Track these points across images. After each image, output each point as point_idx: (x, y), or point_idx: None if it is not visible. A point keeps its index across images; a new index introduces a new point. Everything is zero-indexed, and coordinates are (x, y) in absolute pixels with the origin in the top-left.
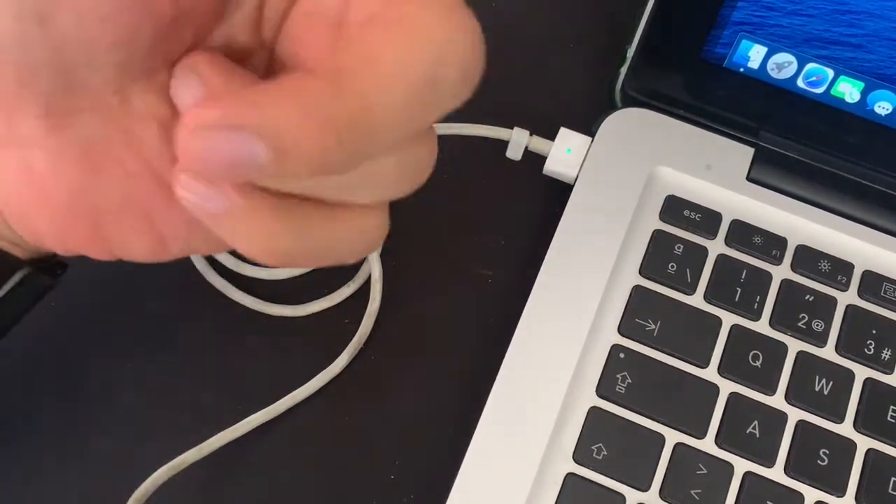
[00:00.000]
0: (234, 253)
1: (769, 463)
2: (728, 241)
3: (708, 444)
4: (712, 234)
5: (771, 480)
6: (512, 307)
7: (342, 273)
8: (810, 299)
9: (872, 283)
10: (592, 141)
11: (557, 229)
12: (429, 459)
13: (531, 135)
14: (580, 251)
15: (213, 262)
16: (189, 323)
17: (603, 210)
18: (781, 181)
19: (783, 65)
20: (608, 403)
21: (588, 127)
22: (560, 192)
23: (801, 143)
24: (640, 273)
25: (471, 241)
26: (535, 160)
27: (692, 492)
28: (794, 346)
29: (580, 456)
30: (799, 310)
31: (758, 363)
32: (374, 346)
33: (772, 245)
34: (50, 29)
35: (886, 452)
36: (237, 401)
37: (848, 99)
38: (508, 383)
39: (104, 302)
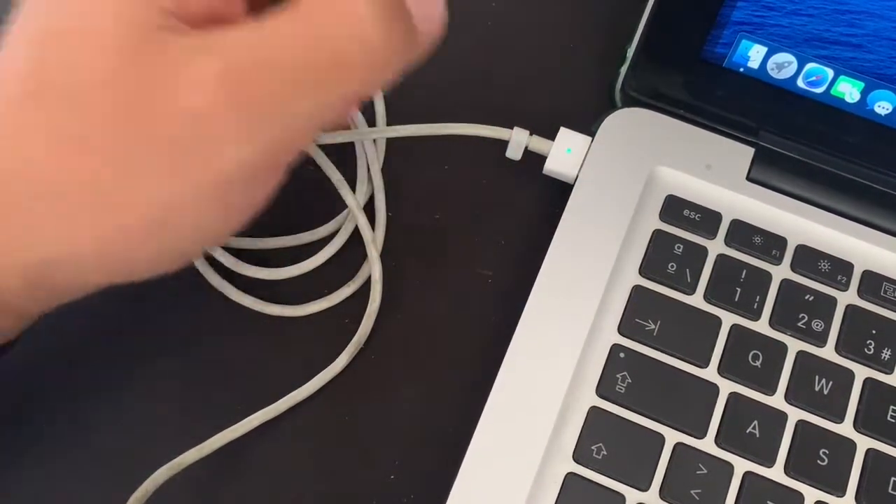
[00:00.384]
0: (232, 252)
1: (769, 463)
2: (728, 241)
3: (708, 444)
4: (712, 234)
5: (771, 480)
6: (512, 307)
7: (342, 273)
8: (810, 299)
9: (872, 283)
10: (592, 141)
11: (557, 229)
12: (429, 459)
13: (531, 135)
14: (580, 251)
15: (212, 262)
16: (188, 323)
17: (603, 210)
18: (781, 181)
19: (783, 65)
20: (608, 403)
21: (588, 127)
22: (560, 192)
23: (801, 143)
24: (640, 273)
25: (471, 241)
26: (535, 160)
27: (692, 492)
28: (794, 346)
29: (580, 456)
30: (799, 310)
31: (758, 363)
32: (374, 346)
33: (772, 245)
34: None
35: (886, 452)
36: (237, 401)
37: (848, 99)
38: (508, 383)
39: (102, 302)
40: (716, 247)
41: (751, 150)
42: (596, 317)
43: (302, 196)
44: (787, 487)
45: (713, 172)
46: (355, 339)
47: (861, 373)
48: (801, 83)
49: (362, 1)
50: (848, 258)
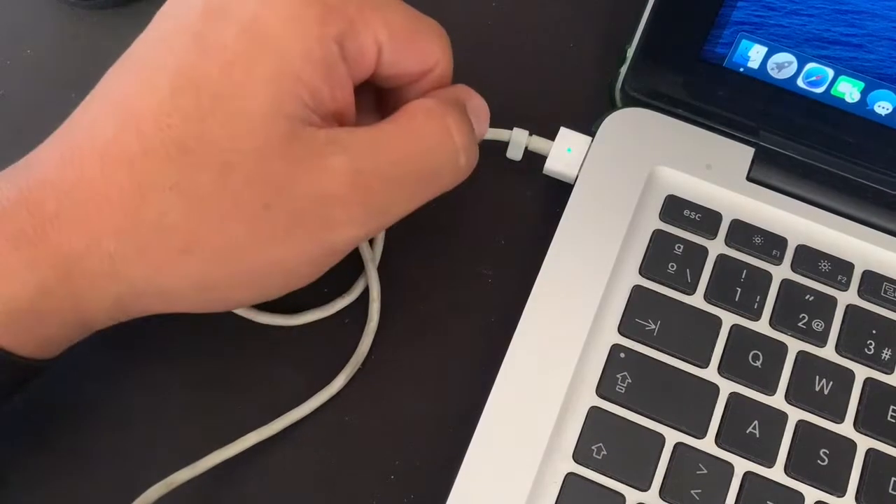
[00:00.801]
0: None
1: (769, 463)
2: (728, 241)
3: (708, 444)
4: (712, 234)
5: (771, 480)
6: (512, 307)
7: (342, 274)
8: (810, 299)
9: (872, 283)
10: (592, 141)
11: (557, 229)
12: (429, 459)
13: (531, 135)
14: (580, 251)
15: None
16: (184, 336)
17: (603, 210)
18: (781, 181)
19: (783, 65)
20: (608, 403)
21: (588, 127)
22: (560, 191)
23: (801, 143)
24: (640, 273)
25: (471, 241)
26: (535, 160)
27: (692, 492)
28: (794, 346)
29: (580, 456)
30: (799, 310)
31: (758, 363)
32: (375, 346)
33: (772, 245)
34: None
35: (886, 452)
36: (232, 417)
37: (848, 99)
38: (508, 383)
39: None
40: (716, 247)
41: (751, 150)
42: (596, 317)
43: None
44: (787, 487)
45: (713, 172)
46: (353, 358)
47: (861, 373)
48: (801, 83)
49: (456, 131)
50: (848, 258)
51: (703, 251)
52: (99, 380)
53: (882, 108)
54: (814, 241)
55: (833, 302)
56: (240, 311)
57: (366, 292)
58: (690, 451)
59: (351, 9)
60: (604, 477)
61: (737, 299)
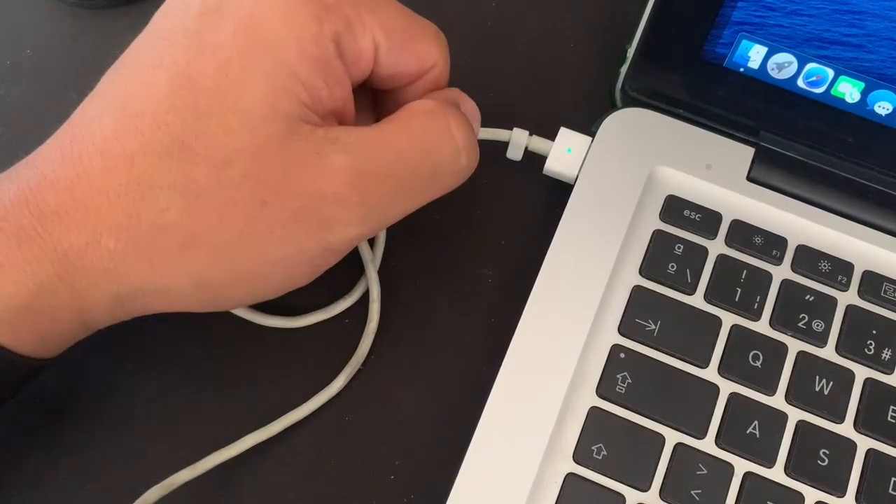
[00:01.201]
0: None
1: (769, 463)
2: (728, 241)
3: (708, 444)
4: (712, 234)
5: (771, 480)
6: (512, 307)
7: (342, 276)
8: (810, 299)
9: (872, 283)
10: (592, 141)
11: (557, 229)
12: (429, 459)
13: (531, 135)
14: (580, 251)
15: None
16: (184, 335)
17: (603, 210)
18: (781, 181)
19: (783, 65)
20: (608, 403)
21: (588, 127)
22: (560, 192)
23: (801, 143)
24: (640, 273)
25: (471, 241)
26: (535, 160)
27: (692, 492)
28: (794, 346)
29: (580, 456)
30: (799, 310)
31: (758, 363)
32: (374, 346)
33: (772, 245)
34: None
35: (886, 452)
36: (231, 418)
37: (848, 99)
38: (508, 383)
39: None
40: (716, 247)
41: (751, 150)
42: (596, 317)
43: None
44: (787, 488)
45: (713, 172)
46: (353, 359)
47: (861, 373)
48: (801, 83)
49: (457, 131)
50: (848, 258)
51: (703, 251)
52: (99, 381)
53: (882, 108)
54: (814, 241)
55: (833, 302)
56: (241, 313)
57: (366, 293)
58: (690, 451)
59: (347, 8)
60: (604, 477)
61: (737, 299)
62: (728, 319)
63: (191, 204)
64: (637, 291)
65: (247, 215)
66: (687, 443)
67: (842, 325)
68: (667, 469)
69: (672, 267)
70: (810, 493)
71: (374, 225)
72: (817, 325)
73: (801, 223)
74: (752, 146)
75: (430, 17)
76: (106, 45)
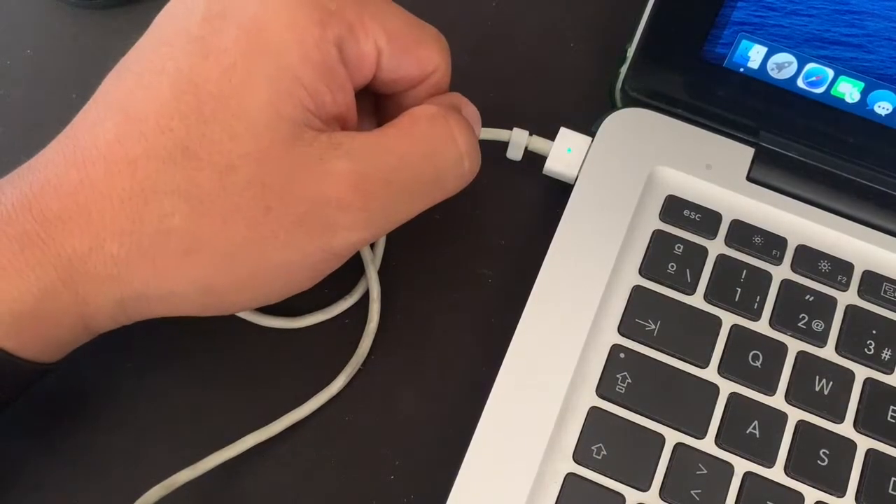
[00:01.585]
0: None
1: (769, 463)
2: (728, 241)
3: (708, 444)
4: (712, 234)
5: (771, 480)
6: (512, 307)
7: (342, 277)
8: (810, 299)
9: (872, 283)
10: (592, 141)
11: (557, 229)
12: (429, 459)
13: (531, 135)
14: (580, 251)
15: None
16: (184, 335)
17: (603, 210)
18: (781, 181)
19: (783, 65)
20: (608, 403)
21: (588, 127)
22: (560, 192)
23: (801, 143)
24: (640, 273)
25: (471, 241)
26: (535, 160)
27: (692, 492)
28: (794, 346)
29: (580, 456)
30: (799, 310)
31: (758, 363)
32: (375, 347)
33: (772, 245)
34: None
35: (886, 452)
36: (232, 418)
37: (848, 99)
38: (508, 383)
39: None
40: (716, 247)
41: (751, 150)
42: (596, 317)
43: None
44: (787, 487)
45: (713, 172)
46: (353, 359)
47: (861, 373)
48: (801, 83)
49: (459, 136)
50: (848, 258)
51: (703, 251)
52: (100, 381)
53: (882, 108)
54: (814, 241)
55: (833, 302)
56: (241, 314)
57: (366, 293)
58: (690, 451)
59: (350, 14)
60: (604, 477)
61: (737, 299)
62: (728, 319)
63: (195, 209)
64: (637, 291)
65: (251, 220)
66: (687, 443)
67: (842, 325)
68: (667, 469)
69: (672, 267)
70: (810, 493)
71: (376, 229)
72: (817, 325)
73: (801, 223)
74: (751, 146)
75: (430, 18)
76: (106, 45)
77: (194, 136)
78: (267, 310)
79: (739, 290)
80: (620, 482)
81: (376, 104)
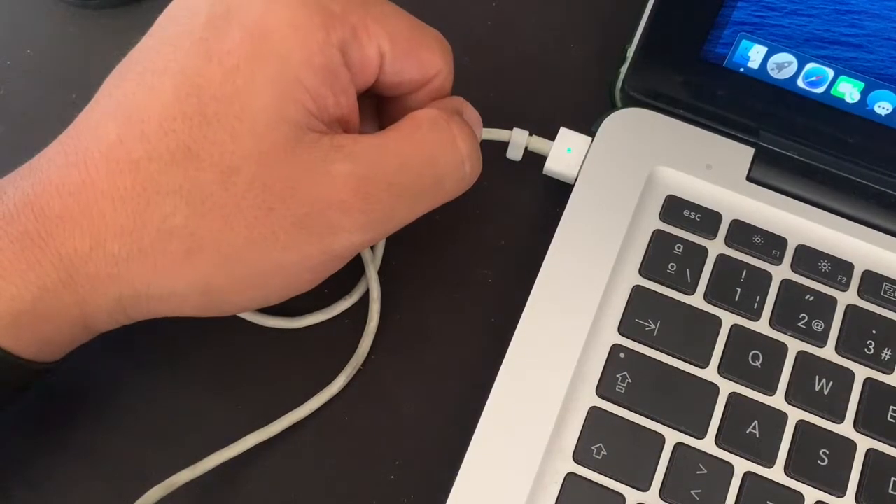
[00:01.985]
0: None
1: (769, 463)
2: (728, 241)
3: (708, 444)
4: (712, 234)
5: (771, 480)
6: (512, 307)
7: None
8: (810, 299)
9: (872, 283)
10: (592, 141)
11: (557, 229)
12: (429, 459)
13: (531, 135)
14: (580, 251)
15: None
16: (184, 335)
17: (603, 210)
18: (781, 181)
19: (783, 65)
20: (608, 403)
21: (588, 127)
22: (560, 192)
23: (801, 143)
24: (640, 273)
25: (471, 241)
26: (535, 160)
27: (692, 492)
28: (794, 346)
29: (580, 456)
30: (799, 310)
31: (758, 363)
32: (374, 346)
33: (772, 245)
34: None
35: (886, 452)
36: (233, 418)
37: (848, 99)
38: (508, 384)
39: None
40: (716, 247)
41: (751, 150)
42: (596, 317)
43: None
44: (787, 487)
45: (713, 172)
46: (353, 359)
47: (861, 373)
48: (801, 83)
49: (461, 140)
50: (848, 258)
51: (703, 251)
52: (100, 381)
53: (882, 108)
54: (814, 241)
55: (833, 302)
56: (242, 314)
57: (366, 293)
58: (690, 451)
59: (354, 17)
60: (604, 477)
61: (737, 299)
62: (728, 319)
63: (196, 210)
64: (637, 291)
65: (252, 221)
66: (687, 443)
67: (842, 324)
68: (667, 469)
69: (672, 267)
70: (810, 493)
71: (377, 232)
72: (817, 325)
73: (801, 223)
74: (751, 146)
75: (430, 18)
76: (106, 45)
77: (197, 137)
78: (267, 310)
79: (739, 290)
80: (620, 482)
81: (378, 107)
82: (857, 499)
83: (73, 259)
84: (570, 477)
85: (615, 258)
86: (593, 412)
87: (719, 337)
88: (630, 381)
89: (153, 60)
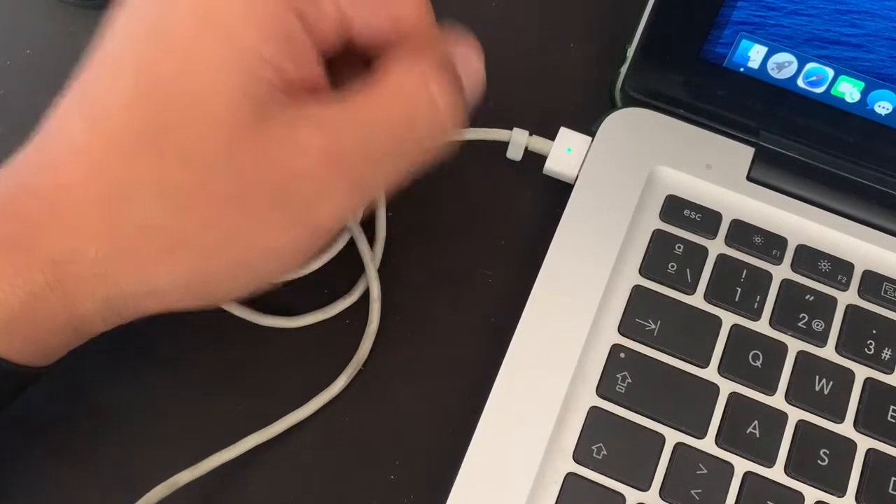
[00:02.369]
0: None
1: (769, 463)
2: (728, 241)
3: (708, 444)
4: (712, 233)
5: (771, 480)
6: (512, 307)
7: (341, 279)
8: (810, 299)
9: (872, 283)
10: (592, 141)
11: (557, 229)
12: (429, 459)
13: (531, 135)
14: (580, 251)
15: None
16: (184, 336)
17: (603, 210)
18: (781, 181)
19: (783, 65)
20: (608, 403)
21: (588, 127)
22: (560, 192)
23: (801, 143)
24: (640, 273)
25: (471, 241)
26: (535, 160)
27: (692, 492)
28: (794, 345)
29: (580, 456)
30: (799, 310)
31: (758, 363)
32: (375, 347)
33: (772, 245)
34: None
35: (886, 452)
36: (233, 418)
37: (848, 99)
38: (508, 383)
39: None
40: (716, 247)
41: (751, 150)
42: (596, 317)
43: None
44: (787, 487)
45: (713, 172)
46: (354, 360)
47: (861, 373)
48: (801, 83)
49: (438, 94)
50: (848, 258)
51: (703, 251)
52: (100, 382)
53: (882, 108)
54: (814, 241)
55: (833, 302)
56: (241, 314)
57: (366, 293)
58: (690, 451)
59: None
60: (604, 477)
61: (737, 299)
62: (728, 319)
63: (168, 205)
64: (637, 291)
65: (226, 210)
66: (687, 442)
67: (842, 324)
68: (667, 469)
69: (672, 267)
70: (810, 493)
71: (357, 199)
72: (817, 325)
73: (801, 223)
74: (752, 146)
75: None
76: None
77: (160, 129)
78: (267, 309)
79: (739, 289)
80: (620, 482)
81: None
82: (857, 499)
83: (58, 262)
84: (570, 477)
85: (615, 258)
86: (593, 412)
87: (719, 337)
88: (630, 380)
89: (110, 53)
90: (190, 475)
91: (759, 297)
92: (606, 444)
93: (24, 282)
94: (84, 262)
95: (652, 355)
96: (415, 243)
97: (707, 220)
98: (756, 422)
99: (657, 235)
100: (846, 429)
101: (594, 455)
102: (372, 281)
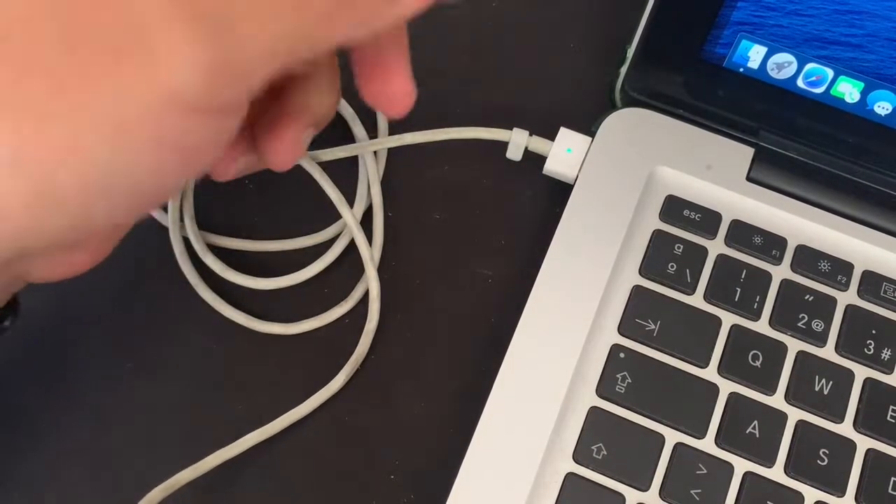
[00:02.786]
0: (224, 256)
1: (769, 463)
2: (728, 241)
3: (708, 444)
4: (712, 234)
5: (771, 480)
6: (512, 307)
7: (341, 279)
8: (810, 299)
9: (872, 283)
10: (592, 141)
11: (557, 229)
12: (429, 459)
13: (531, 135)
14: (580, 251)
15: (202, 272)
16: (180, 339)
17: (603, 210)
18: (781, 181)
19: (783, 65)
20: (608, 403)
21: (588, 127)
22: (560, 192)
23: (801, 143)
24: (640, 273)
25: (471, 241)
26: (535, 160)
27: (692, 492)
28: (794, 346)
29: (580, 456)
30: (799, 310)
31: (758, 363)
32: (374, 346)
33: (772, 245)
34: None
35: (886, 452)
36: (233, 418)
37: (848, 99)
38: (508, 383)
39: (90, 314)
40: (716, 247)
41: (751, 150)
42: (596, 317)
43: (301, 206)
44: (787, 487)
45: (713, 172)
46: (353, 358)
47: (861, 373)
48: (801, 83)
49: None
50: (848, 258)
51: (703, 251)
52: (100, 382)
53: (882, 108)
54: (814, 241)
55: (833, 302)
56: (241, 321)
57: (366, 293)
58: (690, 451)
59: None
60: (604, 477)
61: (736, 299)
62: (728, 319)
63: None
64: (637, 291)
65: (57, 71)
66: (687, 442)
67: (841, 324)
68: (667, 469)
69: (672, 267)
70: (810, 493)
71: (222, 50)
72: (817, 325)
73: (801, 223)
74: (751, 146)
75: (429, 18)
76: None
77: None
78: (265, 316)
79: (739, 289)
80: (620, 482)
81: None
82: (856, 499)
83: None
84: (570, 477)
85: (615, 258)
86: (593, 412)
87: (719, 337)
88: (630, 380)
89: None
90: (190, 475)
91: (758, 298)
92: (606, 444)
93: None
94: None
95: (652, 355)
96: (415, 243)
97: (707, 220)
98: (756, 422)
99: (657, 235)
100: (846, 429)
101: (594, 455)
102: (371, 281)
